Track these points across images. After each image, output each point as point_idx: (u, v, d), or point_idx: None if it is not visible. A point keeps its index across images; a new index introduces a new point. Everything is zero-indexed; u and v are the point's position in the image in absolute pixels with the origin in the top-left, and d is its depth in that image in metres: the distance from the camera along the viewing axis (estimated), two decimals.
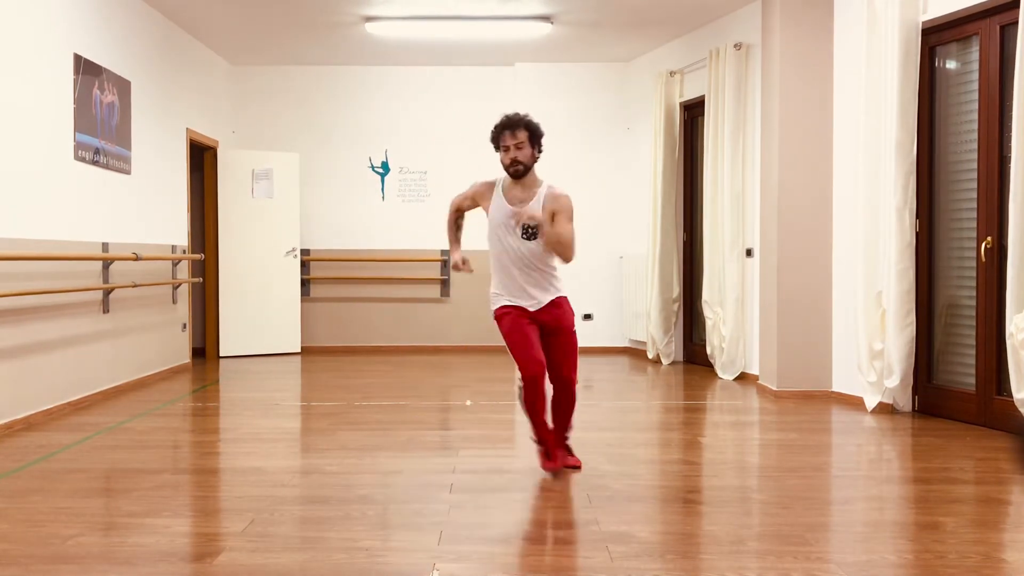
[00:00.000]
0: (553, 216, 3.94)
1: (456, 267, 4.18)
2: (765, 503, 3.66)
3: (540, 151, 4.05)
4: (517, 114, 4.03)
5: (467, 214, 4.34)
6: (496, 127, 4.04)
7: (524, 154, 3.97)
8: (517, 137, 3.96)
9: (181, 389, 6.76)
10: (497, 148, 4.04)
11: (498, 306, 4.08)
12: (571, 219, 3.97)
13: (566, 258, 3.97)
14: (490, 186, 4.13)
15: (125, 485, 3.94)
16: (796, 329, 6.33)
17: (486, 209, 4.12)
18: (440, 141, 9.40)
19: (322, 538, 3.20)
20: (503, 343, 4.06)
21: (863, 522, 3.45)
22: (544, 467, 4.11)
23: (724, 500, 3.72)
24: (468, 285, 9.42)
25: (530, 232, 3.96)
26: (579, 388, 4.19)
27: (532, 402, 3.95)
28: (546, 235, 3.90)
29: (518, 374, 3.97)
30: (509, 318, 4.01)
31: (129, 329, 6.74)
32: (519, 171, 3.98)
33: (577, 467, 4.17)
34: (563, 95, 9.24)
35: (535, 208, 3.94)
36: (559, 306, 4.05)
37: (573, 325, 4.09)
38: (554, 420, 4.14)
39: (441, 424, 5.53)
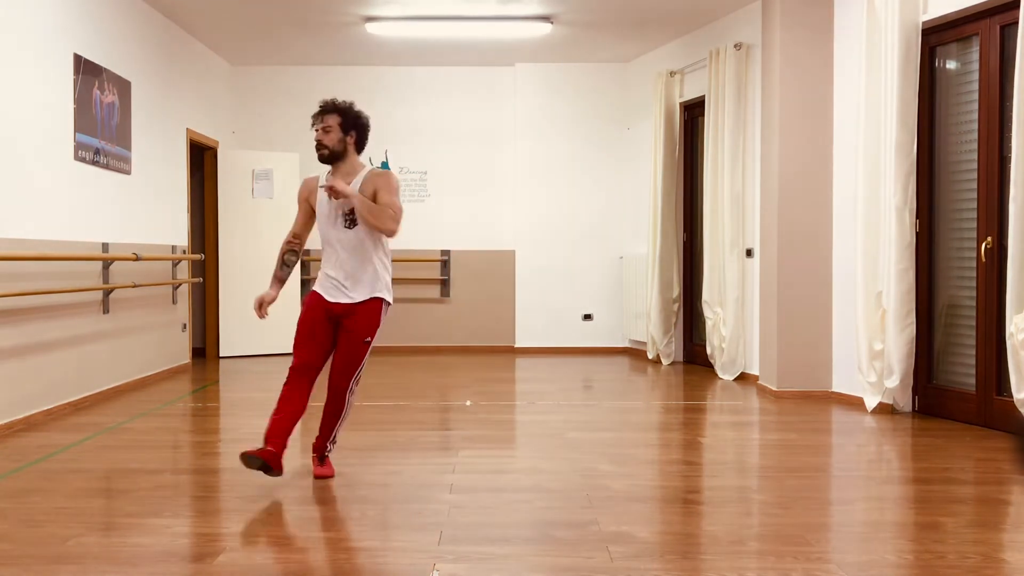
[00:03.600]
0: (375, 194, 3.89)
1: (259, 306, 3.98)
2: (765, 503, 3.66)
3: (357, 138, 3.99)
4: (333, 101, 3.98)
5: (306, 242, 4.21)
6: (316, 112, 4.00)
7: (330, 138, 3.92)
8: (324, 121, 3.93)
9: (181, 389, 6.75)
10: None
11: (310, 292, 4.03)
12: (394, 192, 3.91)
13: (385, 229, 3.87)
14: (314, 179, 4.07)
15: (125, 485, 3.94)
16: (796, 329, 6.33)
17: (314, 205, 4.04)
18: (440, 141, 9.40)
19: (322, 538, 3.20)
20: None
21: (863, 522, 3.44)
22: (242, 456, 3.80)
23: (724, 500, 3.72)
24: (468, 285, 9.43)
25: (350, 219, 3.91)
26: (354, 397, 4.03)
27: (284, 394, 3.87)
28: (357, 206, 3.82)
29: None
30: (305, 308, 3.98)
31: (129, 329, 6.74)
32: (323, 155, 3.94)
33: (327, 476, 4.01)
34: (563, 95, 9.25)
35: (349, 186, 3.88)
36: (366, 310, 3.94)
37: (367, 335, 3.94)
38: (321, 425, 4.05)
39: (441, 424, 5.53)
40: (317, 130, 3.95)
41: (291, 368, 3.92)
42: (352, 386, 4.00)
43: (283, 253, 4.12)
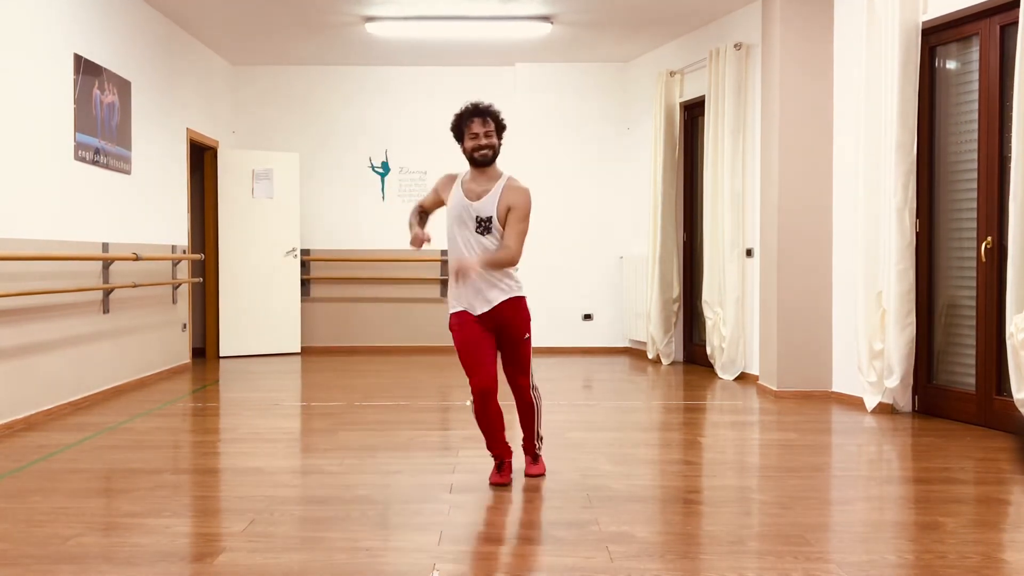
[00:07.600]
0: (507, 212, 3.84)
1: (417, 238, 3.94)
2: (765, 503, 3.66)
3: (501, 144, 3.95)
4: (482, 102, 3.93)
5: (431, 216, 4.22)
6: (462, 114, 3.90)
7: (492, 141, 3.87)
8: (488, 124, 3.86)
9: (181, 389, 6.75)
10: (459, 137, 3.90)
11: (452, 312, 3.93)
12: (524, 218, 3.86)
13: (510, 264, 3.88)
14: (451, 179, 3.98)
15: (125, 485, 3.94)
16: (796, 329, 6.33)
17: (446, 202, 3.99)
18: (440, 141, 9.31)
19: (322, 538, 3.20)
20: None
21: (863, 522, 3.44)
22: (492, 481, 3.96)
23: (724, 500, 3.72)
24: None
25: (484, 225, 3.85)
26: (538, 392, 4.07)
27: (482, 415, 3.87)
28: (486, 262, 3.80)
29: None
30: (463, 329, 3.87)
31: (129, 329, 6.74)
32: (487, 156, 3.84)
33: (539, 475, 4.07)
34: (563, 95, 9.24)
35: (489, 206, 3.83)
36: (514, 308, 3.90)
37: (526, 331, 3.95)
38: (521, 427, 4.08)
39: (441, 424, 5.53)
40: (477, 133, 3.85)
41: (473, 393, 3.85)
42: (532, 382, 4.04)
43: (419, 210, 4.15)
